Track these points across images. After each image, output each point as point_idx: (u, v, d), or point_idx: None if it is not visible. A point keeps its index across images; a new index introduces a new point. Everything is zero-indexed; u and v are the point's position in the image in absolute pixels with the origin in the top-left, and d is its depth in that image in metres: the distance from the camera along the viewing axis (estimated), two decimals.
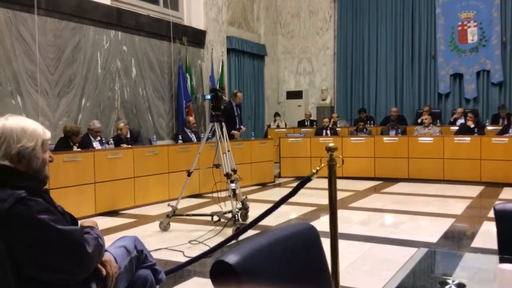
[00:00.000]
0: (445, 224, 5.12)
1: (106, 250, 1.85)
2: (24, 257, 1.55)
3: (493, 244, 1.95)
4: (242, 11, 11.79)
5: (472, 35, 11.09)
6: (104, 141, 6.69)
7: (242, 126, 8.39)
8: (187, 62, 9.25)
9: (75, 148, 6.09)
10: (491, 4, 10.85)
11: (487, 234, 4.55)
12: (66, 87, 7.00)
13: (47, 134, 1.75)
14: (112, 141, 6.59)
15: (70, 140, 6.09)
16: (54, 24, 6.83)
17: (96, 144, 6.59)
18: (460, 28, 11.19)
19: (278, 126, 11.81)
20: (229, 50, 10.84)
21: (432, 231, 4.86)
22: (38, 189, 1.66)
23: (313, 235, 1.51)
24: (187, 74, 9.21)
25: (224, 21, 10.53)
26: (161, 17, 9.00)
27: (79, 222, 1.87)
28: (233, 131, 8.05)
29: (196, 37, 9.69)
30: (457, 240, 4.72)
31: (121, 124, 7.04)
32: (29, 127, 1.69)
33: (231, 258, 1.20)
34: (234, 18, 11.41)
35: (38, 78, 6.57)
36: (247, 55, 11.75)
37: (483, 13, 10.94)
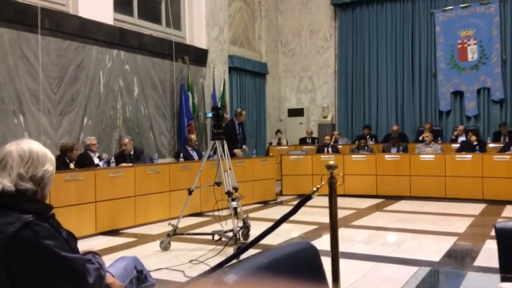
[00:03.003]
0: (447, 243, 5.08)
1: (106, 271, 1.84)
2: (25, 281, 1.55)
3: (496, 263, 1.93)
4: (244, 30, 11.91)
5: (472, 53, 11.16)
6: (105, 160, 6.71)
7: (244, 146, 8.37)
8: (189, 81, 9.32)
9: (71, 165, 6.09)
10: (491, 22, 10.95)
11: (490, 253, 4.51)
12: (68, 106, 7.05)
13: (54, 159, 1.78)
14: (113, 160, 6.59)
15: (66, 157, 6.09)
16: (57, 44, 6.91)
17: (96, 161, 6.60)
18: (460, 46, 11.27)
19: (279, 143, 11.81)
20: (230, 69, 10.92)
21: (434, 249, 4.82)
22: (45, 214, 1.67)
23: (314, 255, 1.51)
24: (189, 93, 9.27)
25: (226, 40, 10.63)
26: (164, 36, 9.10)
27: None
28: (235, 150, 8.03)
29: (198, 56, 9.78)
30: (459, 258, 4.67)
31: (126, 140, 7.08)
32: (47, 151, 1.73)
33: (231, 278, 1.19)
34: (235, 37, 11.53)
35: (40, 97, 6.62)
36: (249, 74, 11.83)
37: (483, 31, 11.03)
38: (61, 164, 5.99)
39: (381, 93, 12.09)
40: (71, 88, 7.11)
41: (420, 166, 8.36)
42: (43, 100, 6.65)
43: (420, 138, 10.01)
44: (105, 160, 6.73)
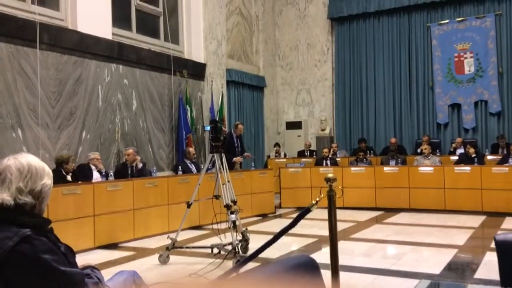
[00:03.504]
0: (447, 255, 5.06)
1: (105, 286, 1.83)
2: None
3: (497, 275, 1.92)
4: (241, 44, 11.99)
5: (469, 66, 11.24)
6: (104, 173, 6.69)
7: (247, 153, 8.39)
8: (187, 94, 9.35)
9: (68, 177, 6.07)
10: (487, 35, 11.04)
11: (490, 265, 4.49)
12: (66, 120, 7.06)
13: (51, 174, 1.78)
14: (112, 174, 6.57)
15: (62, 170, 6.07)
16: (56, 59, 6.94)
17: (96, 175, 6.58)
18: (456, 59, 11.35)
19: (277, 156, 11.81)
20: (228, 82, 10.97)
21: (434, 262, 4.81)
22: (43, 228, 1.66)
23: (314, 268, 1.50)
24: (187, 106, 9.29)
25: (223, 54, 10.70)
26: (162, 50, 9.16)
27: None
28: (234, 159, 8.05)
29: (196, 70, 9.83)
30: (460, 271, 4.65)
31: (130, 150, 7.07)
32: (45, 165, 1.74)
33: None
34: (233, 51, 11.60)
35: (39, 111, 6.63)
36: (247, 87, 11.88)
37: (479, 45, 11.12)
38: (58, 176, 5.97)
39: (378, 105, 12.13)
40: (70, 102, 7.12)
41: (419, 179, 8.36)
42: (42, 114, 6.66)
43: (419, 150, 10.01)
44: (103, 173, 6.71)
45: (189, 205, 5.11)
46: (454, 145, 10.51)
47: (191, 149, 8.28)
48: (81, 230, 5.69)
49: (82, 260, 1.91)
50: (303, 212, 2.79)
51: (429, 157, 9.00)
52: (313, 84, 13.01)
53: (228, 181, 5.11)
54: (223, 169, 5.11)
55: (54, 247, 1.61)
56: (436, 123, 11.57)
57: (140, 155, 8.28)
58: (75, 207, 5.69)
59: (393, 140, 10.69)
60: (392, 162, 9.21)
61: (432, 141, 10.72)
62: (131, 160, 7.00)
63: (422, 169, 8.48)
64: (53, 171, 6.00)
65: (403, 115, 11.93)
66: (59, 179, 5.92)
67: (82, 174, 6.28)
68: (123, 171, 6.95)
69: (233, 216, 4.87)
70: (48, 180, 1.70)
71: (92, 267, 1.81)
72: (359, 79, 12.38)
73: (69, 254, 1.71)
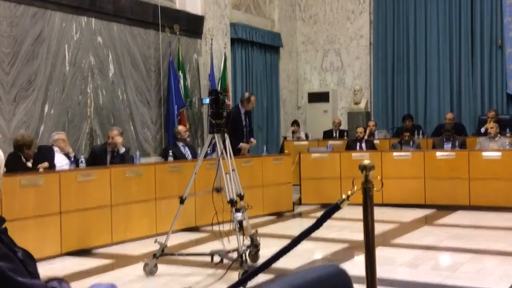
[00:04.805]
0: None
1: None
2: None
3: None
4: None
5: None
6: (72, 159, 6.73)
7: (252, 139, 8.39)
8: (179, 57, 9.33)
9: (29, 164, 6.13)
10: None
11: None
12: (24, 90, 7.09)
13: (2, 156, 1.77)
14: (83, 160, 6.61)
15: (22, 154, 6.13)
16: (9, 10, 6.94)
17: (60, 160, 6.60)
18: None
19: (297, 138, 11.81)
20: (233, 41, 10.91)
21: (501, 274, 4.82)
22: None
23: (344, 281, 1.50)
24: (180, 72, 9.28)
25: (227, 3, 10.63)
26: None
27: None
28: (241, 144, 8.06)
29: (192, 25, 9.78)
30: None
31: (115, 132, 7.12)
32: None
33: None
34: (240, 0, 11.51)
35: None
36: (257, 47, 11.81)
37: None
38: (16, 163, 6.02)
39: (431, 71, 12.03)
40: (28, 67, 7.15)
41: (482, 167, 8.32)
42: None
43: (482, 130, 9.94)
44: (72, 159, 6.75)
45: (182, 201, 5.14)
46: None
47: (181, 128, 8.25)
48: (44, 232, 5.75)
49: (46, 269, 1.93)
50: (330, 210, 2.80)
51: (496, 139, 8.94)
52: (345, 43, 12.91)
53: (233, 170, 5.12)
54: (227, 154, 5.11)
55: (9, 253, 1.62)
56: (506, 94, 11.48)
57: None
58: (36, 202, 5.74)
59: (449, 115, 10.61)
60: (447, 145, 9.16)
61: (501, 117, 10.62)
62: (113, 144, 7.05)
63: (487, 154, 8.43)
64: (10, 155, 6.09)
65: (462, 84, 11.83)
66: (17, 165, 5.98)
67: (41, 158, 6.29)
68: (100, 156, 6.99)
69: (239, 215, 4.89)
70: None
71: (59, 280, 1.83)
72: (405, 36, 12.27)
73: (28, 261, 1.73)
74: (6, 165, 5.85)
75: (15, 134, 6.86)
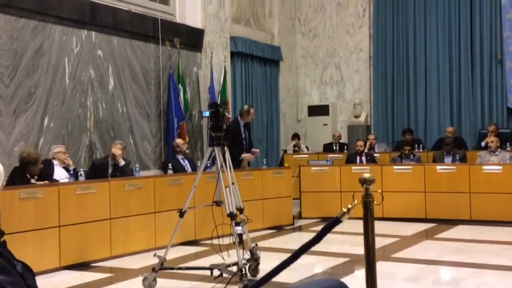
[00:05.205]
0: None
1: None
2: None
3: None
4: (251, 5, 11.96)
5: None
6: (71, 172, 6.73)
7: (255, 149, 8.37)
8: (179, 70, 9.36)
9: (33, 181, 6.12)
10: None
11: None
12: (24, 103, 7.10)
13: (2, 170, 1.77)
14: (82, 173, 6.61)
15: (27, 171, 6.12)
16: (9, 23, 6.97)
17: (59, 173, 6.59)
18: None
19: (297, 151, 11.79)
20: (233, 54, 10.95)
21: None
22: None
23: None
24: (180, 85, 9.30)
25: (227, 17, 10.68)
26: (147, 12, 9.16)
27: None
28: (243, 155, 8.03)
29: (192, 38, 9.82)
30: None
31: (118, 146, 7.14)
32: None
33: None
34: (240, 14, 11.57)
35: None
36: (257, 61, 11.85)
37: None
38: (20, 178, 6.01)
39: (431, 85, 12.06)
40: (28, 80, 7.16)
41: (483, 181, 8.31)
42: None
43: (483, 143, 9.94)
44: (71, 172, 6.74)
45: (182, 214, 5.13)
46: None
47: (180, 140, 8.26)
48: (43, 245, 5.73)
49: (44, 283, 1.93)
50: (331, 223, 2.79)
51: (497, 153, 8.94)
52: (344, 57, 12.95)
53: (233, 183, 5.12)
54: (226, 167, 5.11)
55: (8, 266, 1.62)
56: (506, 108, 11.48)
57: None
58: (36, 215, 5.72)
59: (450, 129, 10.61)
60: (448, 159, 9.17)
61: (501, 131, 10.62)
62: (118, 158, 7.05)
63: (488, 168, 8.43)
64: (15, 170, 6.08)
65: (462, 98, 11.84)
66: (21, 181, 5.98)
67: (44, 174, 6.30)
68: (101, 169, 6.98)
69: (239, 229, 4.88)
70: None
71: None
72: (405, 50, 12.31)
73: (27, 275, 1.72)
74: (11, 178, 5.86)
75: (14, 147, 6.87)
